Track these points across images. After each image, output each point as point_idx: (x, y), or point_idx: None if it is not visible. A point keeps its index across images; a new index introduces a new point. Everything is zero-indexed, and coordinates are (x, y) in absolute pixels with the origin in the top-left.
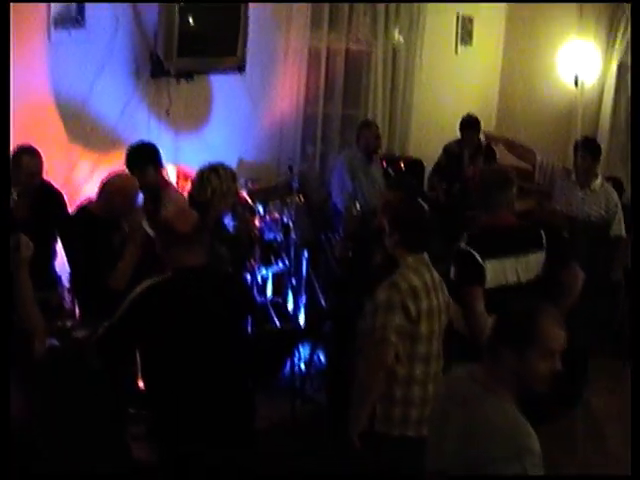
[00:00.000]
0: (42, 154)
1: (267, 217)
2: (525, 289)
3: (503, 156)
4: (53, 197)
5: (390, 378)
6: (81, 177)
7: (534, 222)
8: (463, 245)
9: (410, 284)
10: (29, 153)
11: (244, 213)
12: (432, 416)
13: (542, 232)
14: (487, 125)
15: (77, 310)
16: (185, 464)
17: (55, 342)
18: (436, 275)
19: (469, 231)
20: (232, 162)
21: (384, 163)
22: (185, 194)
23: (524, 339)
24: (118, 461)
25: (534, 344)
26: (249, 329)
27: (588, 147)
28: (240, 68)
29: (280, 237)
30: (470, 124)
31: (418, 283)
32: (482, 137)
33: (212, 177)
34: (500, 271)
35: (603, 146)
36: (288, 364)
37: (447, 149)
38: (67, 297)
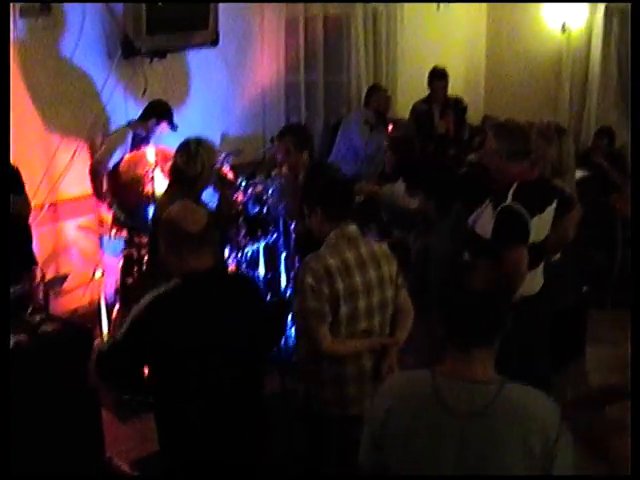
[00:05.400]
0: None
1: (250, 191)
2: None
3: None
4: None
5: (317, 357)
6: (61, 165)
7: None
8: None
9: (324, 264)
10: None
11: (224, 188)
12: (408, 436)
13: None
14: (476, 79)
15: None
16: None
17: (24, 337)
18: (366, 249)
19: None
20: (215, 137)
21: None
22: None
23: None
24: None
25: None
26: None
27: None
28: (213, 42)
29: (264, 211)
30: (439, 75)
31: (333, 262)
32: None
33: (201, 150)
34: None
35: (594, 91)
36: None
37: (415, 109)
38: (40, 291)
